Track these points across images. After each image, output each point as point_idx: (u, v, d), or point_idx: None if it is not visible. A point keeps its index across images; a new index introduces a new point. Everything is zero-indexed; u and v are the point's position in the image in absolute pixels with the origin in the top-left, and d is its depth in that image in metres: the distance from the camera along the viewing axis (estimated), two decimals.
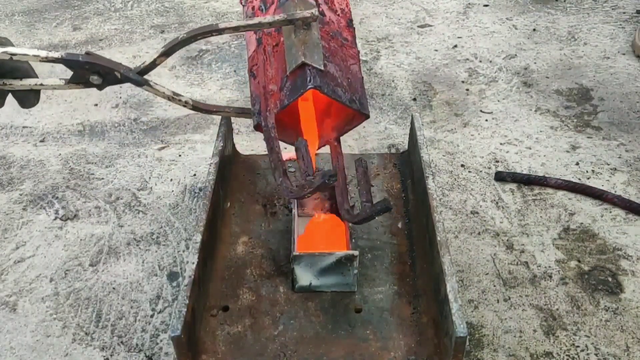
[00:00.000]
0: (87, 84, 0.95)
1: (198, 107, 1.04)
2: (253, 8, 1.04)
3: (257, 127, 0.95)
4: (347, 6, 1.04)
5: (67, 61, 0.92)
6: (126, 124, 1.67)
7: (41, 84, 0.95)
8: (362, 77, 0.96)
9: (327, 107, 1.00)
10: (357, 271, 0.97)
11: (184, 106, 1.03)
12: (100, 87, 0.96)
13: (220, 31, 0.91)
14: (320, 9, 0.97)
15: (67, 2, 2.37)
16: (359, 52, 0.99)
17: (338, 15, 1.01)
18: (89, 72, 0.93)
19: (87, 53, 0.94)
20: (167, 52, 0.94)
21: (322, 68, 0.88)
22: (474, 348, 1.07)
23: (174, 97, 1.01)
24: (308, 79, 0.86)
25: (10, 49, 0.89)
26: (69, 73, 0.94)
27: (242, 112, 1.06)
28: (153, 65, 0.96)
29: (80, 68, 0.93)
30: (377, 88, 1.80)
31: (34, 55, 0.90)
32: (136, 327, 1.12)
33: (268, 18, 0.90)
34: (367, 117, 0.94)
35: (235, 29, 0.91)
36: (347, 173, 1.24)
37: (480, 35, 2.06)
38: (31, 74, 0.95)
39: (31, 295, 1.18)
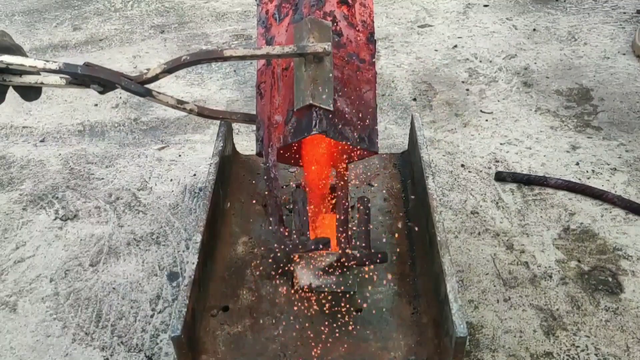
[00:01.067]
0: (88, 87, 0.94)
1: (204, 113, 1.02)
2: (267, 12, 1.02)
3: (260, 154, 0.93)
4: (370, 16, 1.00)
5: (65, 73, 0.91)
6: (126, 124, 1.67)
7: (41, 82, 0.94)
8: (376, 106, 0.93)
9: (329, 143, 0.98)
10: (357, 271, 0.97)
11: (190, 113, 1.01)
12: (101, 92, 0.95)
13: (225, 59, 0.89)
14: (338, 28, 0.93)
15: (67, 2, 2.37)
16: (376, 73, 0.96)
17: (358, 30, 0.97)
18: (89, 81, 0.92)
19: (86, 64, 0.92)
20: (169, 70, 0.92)
21: (331, 108, 0.85)
22: (474, 348, 1.07)
23: (178, 106, 1.00)
24: (314, 123, 0.84)
25: (6, 58, 0.88)
26: None
27: (249, 120, 1.05)
28: (155, 79, 0.94)
29: (79, 77, 0.92)
30: (377, 88, 1.80)
31: (31, 66, 0.89)
32: (136, 327, 1.11)
33: (277, 49, 0.86)
34: (376, 152, 0.92)
35: (241, 57, 0.88)
36: (349, 172, 1.25)
37: (480, 35, 2.06)
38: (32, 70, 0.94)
39: (31, 296, 1.18)
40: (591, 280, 1.19)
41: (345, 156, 0.99)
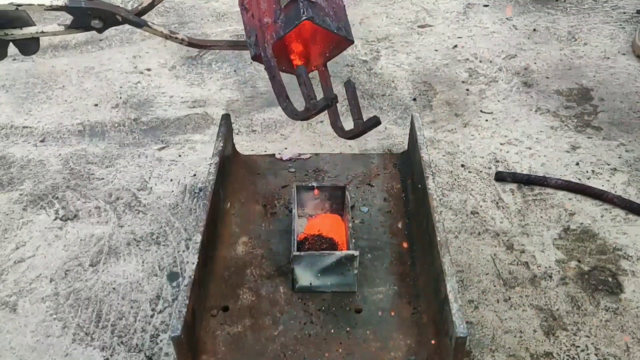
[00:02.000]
0: (88, 28, 1.00)
1: (193, 43, 1.10)
2: None
3: (255, 58, 1.02)
4: None
5: (70, 8, 0.97)
6: (126, 124, 1.67)
7: (42, 32, 0.99)
8: (344, 6, 1.04)
9: (314, 36, 1.06)
10: (357, 271, 0.97)
11: (181, 43, 1.09)
12: (100, 30, 1.01)
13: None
14: None
15: None
16: None
17: None
18: (91, 17, 0.98)
19: None
20: None
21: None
22: (474, 348, 1.07)
23: (170, 36, 1.07)
24: (302, 11, 0.94)
25: (15, 0, 0.93)
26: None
27: (235, 45, 1.13)
28: (151, 6, 1.06)
29: (82, 14, 0.97)
30: (377, 88, 1.80)
31: (39, 5, 0.94)
32: (136, 327, 1.12)
33: None
34: (352, 42, 1.02)
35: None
36: (349, 172, 1.25)
37: (480, 35, 2.06)
38: (30, 22, 0.99)
39: (31, 296, 1.18)
40: (591, 280, 1.19)
41: (323, 54, 1.08)
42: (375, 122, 0.97)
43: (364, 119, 1.00)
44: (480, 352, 1.06)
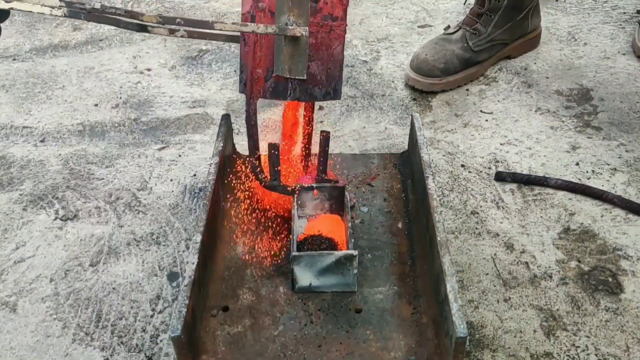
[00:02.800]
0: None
1: (193, 36, 1.14)
2: None
3: (242, 92, 1.06)
4: None
5: (71, 17, 1.00)
6: (126, 124, 1.67)
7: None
8: (343, 57, 1.04)
9: None
10: (357, 271, 0.97)
11: (181, 37, 1.13)
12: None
13: (214, 34, 1.02)
14: None
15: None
16: (346, 25, 1.05)
17: None
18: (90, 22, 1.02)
19: (89, 11, 1.01)
20: (162, 24, 1.06)
21: (304, 77, 0.99)
22: (474, 348, 1.07)
23: (170, 34, 1.11)
24: (289, 92, 1.00)
25: (15, 5, 0.98)
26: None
27: (232, 40, 1.16)
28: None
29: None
30: (377, 88, 1.80)
31: (39, 13, 0.97)
32: (136, 328, 1.12)
33: (261, 27, 0.98)
34: (339, 99, 1.06)
35: (231, 31, 0.99)
36: (349, 172, 1.25)
37: None
38: None
39: (31, 296, 1.18)
40: (591, 280, 1.19)
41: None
42: (332, 185, 1.09)
43: (326, 171, 1.09)
44: (480, 352, 1.06)
